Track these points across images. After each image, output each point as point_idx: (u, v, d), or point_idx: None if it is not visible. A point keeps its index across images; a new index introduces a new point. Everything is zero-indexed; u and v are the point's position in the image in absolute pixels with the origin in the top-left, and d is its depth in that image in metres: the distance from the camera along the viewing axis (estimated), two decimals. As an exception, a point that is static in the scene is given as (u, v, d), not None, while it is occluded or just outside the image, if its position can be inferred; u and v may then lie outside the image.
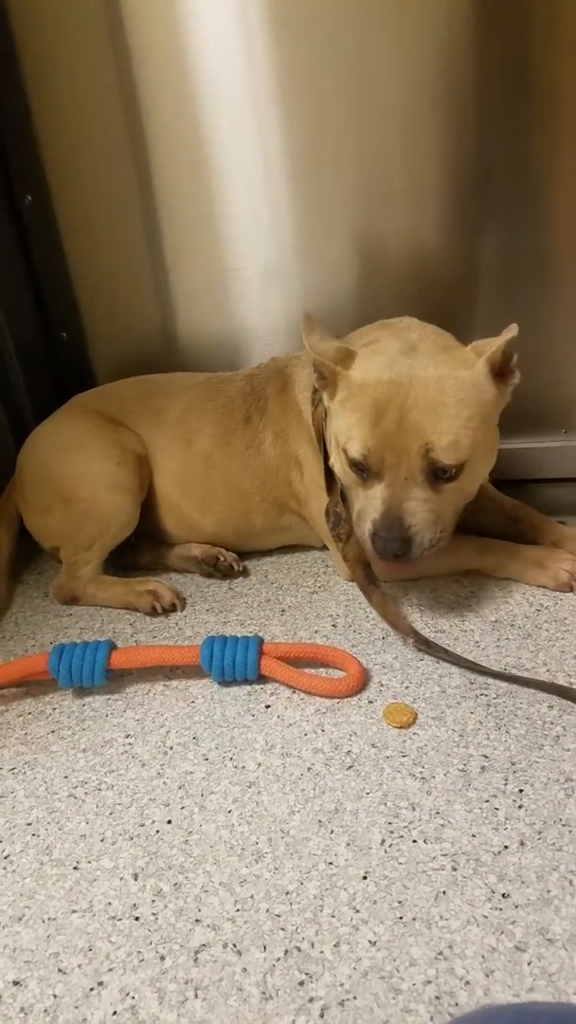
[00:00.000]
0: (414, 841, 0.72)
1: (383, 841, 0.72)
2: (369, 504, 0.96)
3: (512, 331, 0.94)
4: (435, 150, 1.22)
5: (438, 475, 0.94)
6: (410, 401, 0.92)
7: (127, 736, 0.90)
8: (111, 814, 0.79)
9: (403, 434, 0.92)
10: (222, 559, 1.24)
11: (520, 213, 1.22)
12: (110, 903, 0.69)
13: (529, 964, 0.60)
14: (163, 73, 1.25)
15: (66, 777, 0.85)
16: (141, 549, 1.29)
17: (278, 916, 0.66)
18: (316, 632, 1.07)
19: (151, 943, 0.65)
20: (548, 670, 0.92)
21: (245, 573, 1.25)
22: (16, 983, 0.64)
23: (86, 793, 0.82)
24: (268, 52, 1.21)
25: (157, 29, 1.22)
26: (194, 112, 1.27)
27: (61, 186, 1.37)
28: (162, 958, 0.64)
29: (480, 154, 1.20)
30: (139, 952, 0.65)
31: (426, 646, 0.97)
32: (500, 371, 0.96)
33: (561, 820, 0.72)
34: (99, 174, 1.35)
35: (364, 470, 0.96)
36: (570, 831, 0.70)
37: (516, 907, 0.64)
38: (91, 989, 0.62)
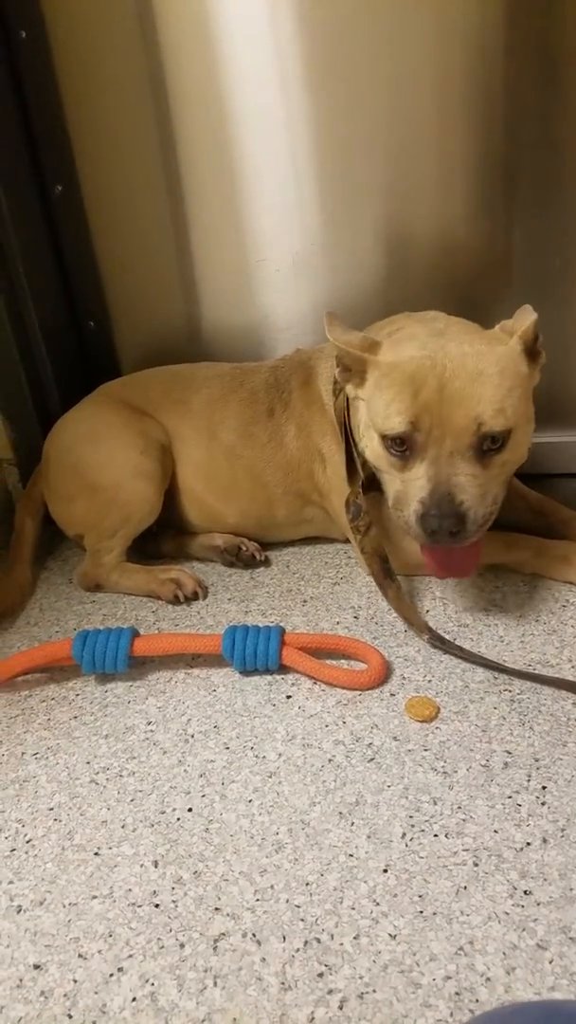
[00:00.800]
0: (435, 835, 0.71)
1: (404, 835, 0.72)
2: (412, 485, 0.92)
3: (530, 312, 0.93)
4: (464, 141, 1.20)
5: (485, 448, 0.90)
6: (449, 373, 0.89)
7: (149, 723, 0.90)
8: (132, 801, 0.80)
9: (446, 405, 0.89)
10: (244, 549, 1.24)
11: (550, 205, 1.21)
12: (130, 889, 0.70)
13: (551, 962, 0.59)
14: (192, 65, 1.25)
15: (88, 763, 0.85)
16: (164, 537, 1.30)
17: (298, 907, 0.66)
18: (338, 623, 1.06)
19: (171, 930, 0.66)
20: (573, 666, 0.91)
21: (267, 563, 1.25)
22: (37, 967, 0.64)
23: (108, 779, 0.83)
24: (297, 43, 1.20)
25: (187, 20, 1.22)
26: (222, 103, 1.26)
27: (90, 177, 1.37)
28: (181, 946, 0.64)
29: (510, 145, 1.19)
30: (159, 939, 0.65)
31: (441, 643, 0.96)
32: (530, 350, 0.95)
33: (585, 818, 0.71)
34: (127, 165, 1.35)
35: (406, 447, 0.92)
36: (594, 829, 0.70)
37: (538, 904, 0.64)
38: (111, 975, 0.63)
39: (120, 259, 1.44)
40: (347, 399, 1.07)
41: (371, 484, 1.07)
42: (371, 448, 0.99)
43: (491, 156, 1.20)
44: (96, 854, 0.74)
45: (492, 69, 1.15)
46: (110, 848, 0.74)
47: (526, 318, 0.93)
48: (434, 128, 1.21)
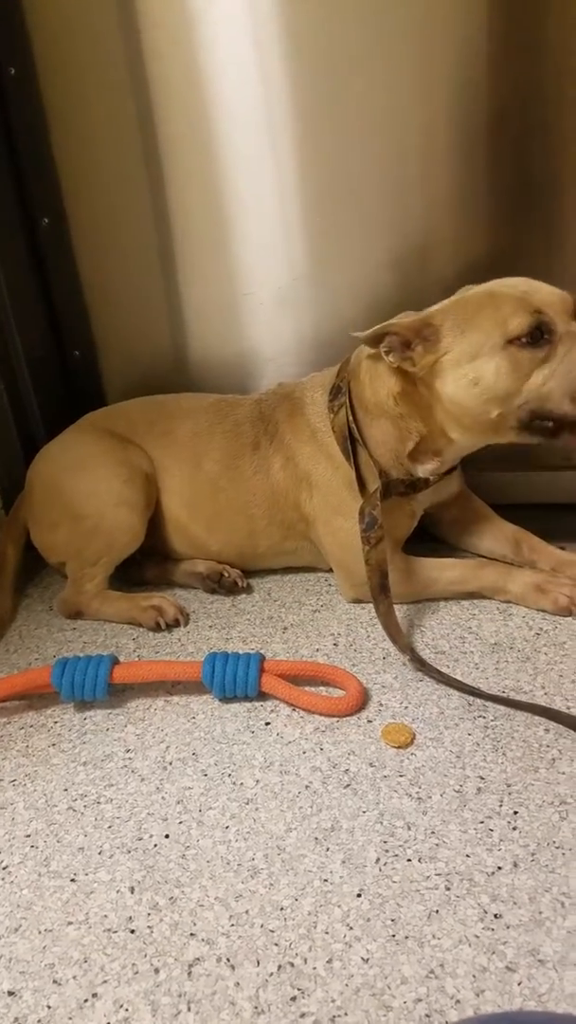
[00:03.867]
0: (409, 860, 0.72)
1: (378, 859, 0.73)
2: (568, 359, 0.96)
3: None
4: (450, 180, 1.24)
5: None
6: (509, 281, 1.02)
7: (127, 750, 0.91)
8: (109, 827, 0.80)
9: (538, 291, 0.99)
10: (226, 575, 1.25)
11: (535, 242, 1.24)
12: (106, 916, 0.70)
13: (519, 984, 0.60)
14: (180, 100, 1.28)
15: (66, 790, 0.86)
16: (147, 564, 1.31)
17: (272, 931, 0.67)
18: (317, 650, 1.07)
19: (146, 956, 0.66)
20: (546, 693, 0.93)
21: (249, 590, 1.27)
22: (11, 993, 0.64)
23: (85, 806, 0.83)
24: (284, 79, 1.23)
25: (175, 56, 1.25)
26: (210, 138, 1.30)
27: (77, 209, 1.40)
28: (156, 971, 0.65)
29: (493, 185, 1.22)
30: (134, 964, 0.65)
31: (421, 665, 0.98)
32: None
33: (555, 842, 0.72)
34: (114, 198, 1.38)
35: (543, 331, 0.96)
36: (563, 853, 0.71)
37: (508, 928, 0.65)
38: (85, 1000, 0.63)
39: (106, 290, 1.46)
40: (349, 414, 1.11)
41: (386, 493, 1.10)
42: (491, 376, 0.99)
43: (476, 196, 1.23)
44: (72, 880, 0.74)
45: (476, 107, 1.18)
46: (86, 874, 0.75)
47: None
48: (420, 167, 1.24)
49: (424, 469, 1.13)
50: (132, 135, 1.32)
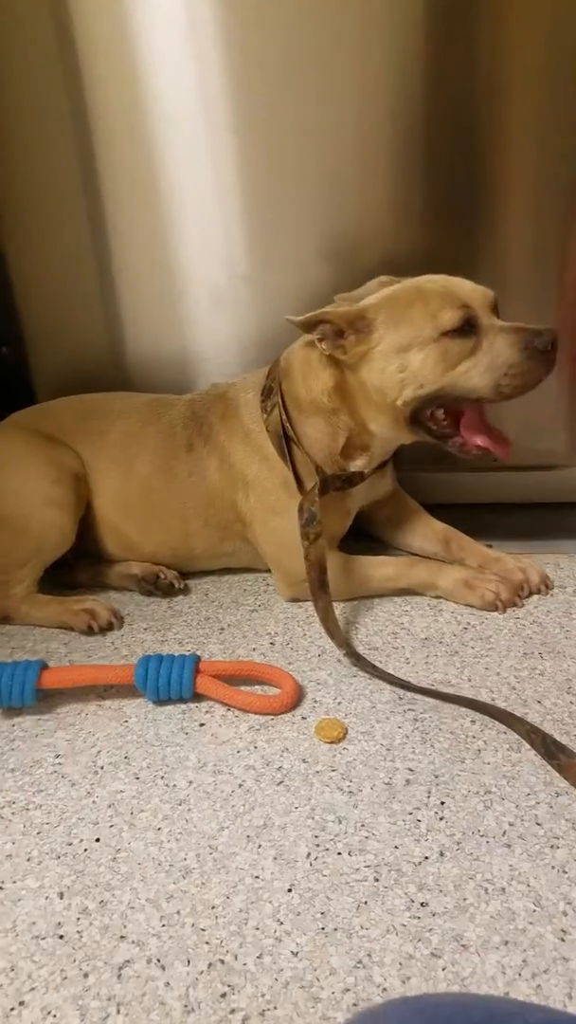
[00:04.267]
0: (339, 854, 0.73)
1: (309, 854, 0.74)
2: (490, 352, 1.02)
3: None
4: (386, 180, 1.25)
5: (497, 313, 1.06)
6: (435, 279, 1.07)
7: (57, 756, 0.90)
8: (39, 833, 0.79)
9: (461, 286, 1.05)
10: (163, 577, 1.25)
11: (466, 240, 1.27)
12: (34, 922, 0.69)
13: (444, 970, 0.62)
14: (116, 96, 1.27)
15: (-5, 797, 0.85)
16: (79, 566, 1.29)
17: (203, 930, 0.67)
18: (254, 650, 1.08)
19: (75, 961, 0.66)
20: (472, 685, 0.95)
21: (186, 591, 1.26)
22: None
23: (13, 813, 0.82)
24: (223, 80, 1.23)
25: (111, 52, 1.24)
26: (145, 135, 1.28)
27: (7, 202, 1.37)
28: (85, 975, 0.64)
29: (427, 185, 1.24)
30: (62, 970, 0.65)
31: (356, 660, 0.99)
32: None
33: (479, 831, 0.74)
34: (47, 192, 1.35)
35: (471, 323, 1.02)
36: (487, 841, 0.73)
37: (433, 915, 0.66)
38: (12, 1009, 0.62)
39: (37, 284, 1.43)
40: (282, 413, 1.13)
41: (323, 489, 1.12)
42: (428, 367, 1.04)
43: (414, 199, 1.25)
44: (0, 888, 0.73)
45: (411, 109, 1.20)
46: (14, 882, 0.74)
47: None
48: (359, 169, 1.25)
49: (355, 464, 1.15)
50: (65, 129, 1.30)
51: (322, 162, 1.26)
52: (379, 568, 1.16)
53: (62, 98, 1.28)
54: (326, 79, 1.21)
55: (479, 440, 1.07)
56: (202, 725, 0.93)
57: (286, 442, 1.13)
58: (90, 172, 1.33)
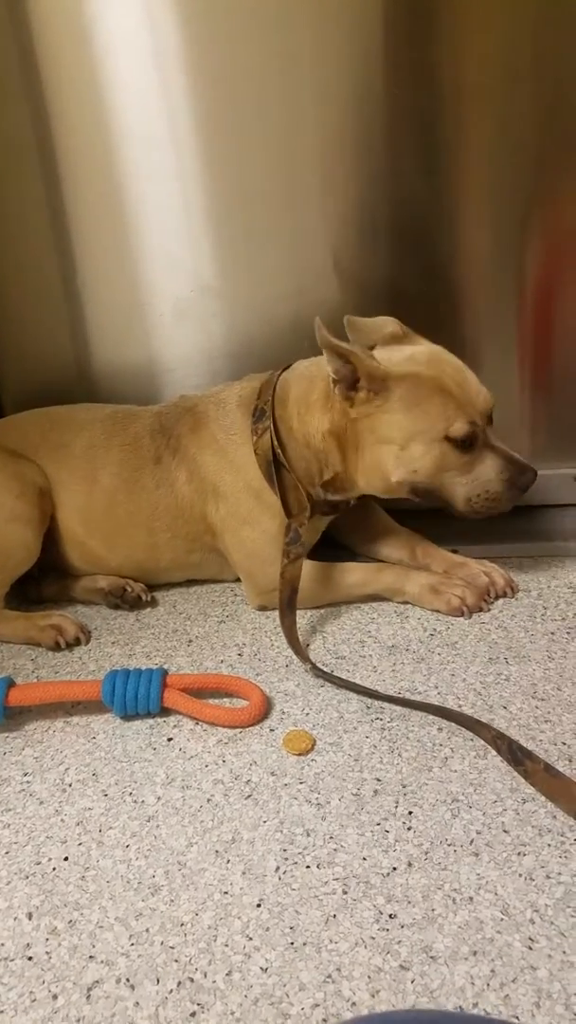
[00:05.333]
0: (308, 867, 0.73)
1: (277, 868, 0.74)
2: (481, 470, 1.06)
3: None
4: (348, 194, 1.27)
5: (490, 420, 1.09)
6: (453, 368, 1.08)
7: (25, 774, 0.89)
8: (6, 853, 0.78)
9: (471, 389, 1.07)
10: (129, 590, 1.24)
11: (429, 257, 1.28)
12: (2, 944, 0.69)
13: (412, 982, 0.62)
14: (79, 109, 1.27)
15: (-39, 818, 0.84)
16: (45, 581, 1.29)
17: (172, 948, 0.67)
18: (222, 662, 1.08)
19: (44, 982, 0.65)
20: (439, 693, 0.96)
21: (153, 603, 1.26)
22: None
23: (-19, 833, 0.81)
24: (187, 94, 1.24)
25: (73, 65, 1.24)
26: (111, 152, 1.29)
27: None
28: (55, 997, 0.64)
29: (390, 199, 1.26)
30: (31, 992, 0.64)
31: (320, 673, 1.00)
32: None
33: (447, 840, 0.75)
34: (12, 204, 1.35)
35: (473, 442, 1.05)
36: (455, 851, 0.73)
37: (402, 927, 0.67)
38: (-21, 1034, 0.61)
39: (2, 298, 1.43)
40: (274, 439, 1.13)
41: (311, 512, 1.14)
42: (425, 464, 1.07)
43: (376, 210, 1.27)
44: (-33, 912, 0.72)
45: (372, 125, 1.22)
46: (-18, 904, 0.73)
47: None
48: (322, 184, 1.27)
49: (336, 496, 1.17)
50: (29, 142, 1.30)
51: (285, 176, 1.27)
52: (348, 574, 1.17)
53: (25, 114, 1.28)
54: (288, 96, 1.22)
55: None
56: (170, 740, 0.93)
57: (276, 467, 1.13)
58: (54, 186, 1.33)
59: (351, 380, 1.06)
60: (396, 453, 1.07)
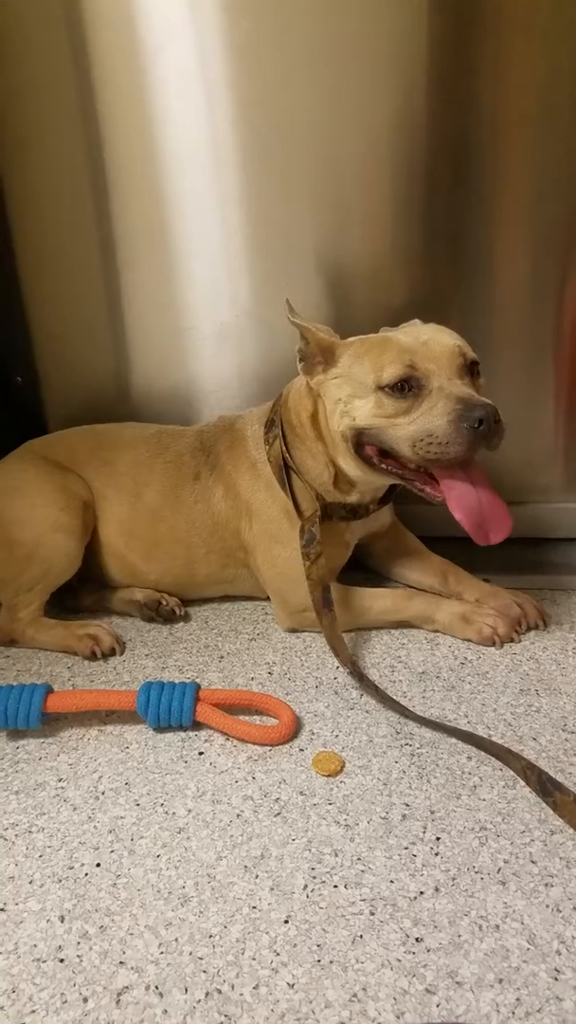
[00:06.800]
0: (335, 886, 0.75)
1: (306, 886, 0.75)
2: (429, 414, 1.00)
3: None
4: (387, 222, 1.30)
5: (472, 372, 1.05)
6: (415, 331, 1.09)
7: (60, 780, 0.91)
8: (40, 856, 0.80)
9: (429, 344, 1.04)
10: (164, 603, 1.27)
11: (465, 279, 1.30)
12: (35, 945, 0.70)
13: (438, 1006, 0.63)
14: (129, 138, 1.32)
15: (-3, 819, 0.86)
16: (84, 591, 1.31)
17: (201, 959, 0.68)
18: (252, 679, 1.09)
19: (75, 985, 0.67)
20: (469, 721, 0.96)
21: (186, 618, 1.28)
22: None
23: (16, 835, 0.83)
24: (231, 126, 1.28)
25: (126, 95, 1.29)
26: (158, 178, 1.33)
27: (24, 237, 1.42)
28: (85, 1000, 0.65)
29: (427, 227, 1.28)
30: (62, 994, 0.66)
31: (360, 680, 1.02)
32: None
33: (474, 867, 0.75)
34: (63, 230, 1.40)
35: (410, 386, 1.01)
36: (482, 878, 0.74)
37: (428, 951, 0.67)
38: (12, 1032, 0.63)
39: (50, 317, 1.47)
40: (282, 444, 1.16)
41: (326, 515, 1.15)
42: (364, 413, 1.06)
43: (414, 239, 1.29)
44: (2, 910, 0.74)
45: (412, 155, 1.25)
46: (16, 904, 0.75)
47: None
48: (362, 212, 1.30)
49: (350, 498, 1.18)
50: (82, 169, 1.35)
51: (325, 203, 1.30)
52: (377, 600, 1.18)
53: (79, 142, 1.33)
54: (330, 121, 1.25)
55: (458, 514, 1.01)
56: (201, 754, 0.95)
57: (286, 471, 1.16)
58: (103, 209, 1.37)
59: (312, 357, 1.11)
60: (340, 408, 1.09)
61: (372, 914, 0.71)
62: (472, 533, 1.00)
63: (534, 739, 0.93)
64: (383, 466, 1.09)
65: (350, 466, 1.13)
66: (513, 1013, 0.62)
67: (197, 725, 0.99)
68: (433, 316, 1.18)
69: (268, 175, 1.30)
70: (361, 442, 1.09)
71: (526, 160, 1.23)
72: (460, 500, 1.01)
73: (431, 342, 1.05)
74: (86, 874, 0.78)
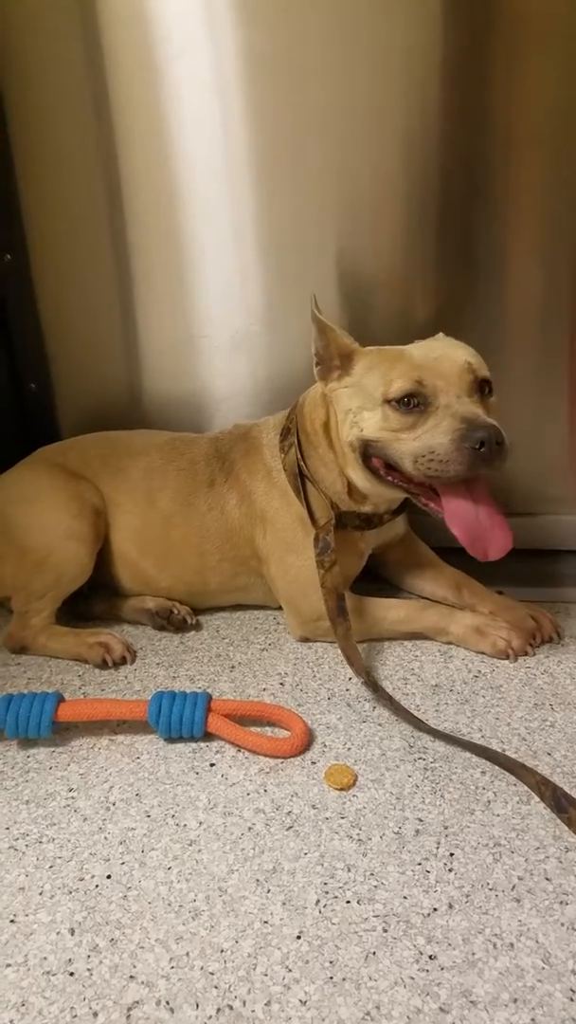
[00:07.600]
0: (348, 902, 0.74)
1: (318, 901, 0.74)
2: (433, 431, 1.00)
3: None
4: (400, 233, 1.30)
5: (482, 390, 1.05)
6: (429, 345, 1.09)
7: (70, 790, 0.91)
8: (51, 867, 0.80)
9: (440, 361, 1.04)
10: (176, 612, 1.26)
11: (477, 290, 1.30)
12: (45, 958, 0.70)
13: (452, 1025, 0.62)
14: (143, 146, 1.32)
15: (7, 829, 0.85)
16: (95, 599, 1.31)
17: (212, 974, 0.68)
18: (264, 690, 1.09)
19: (84, 999, 0.66)
20: (483, 735, 0.96)
21: (198, 627, 1.28)
22: (-54, 1039, 0.64)
23: (27, 845, 0.83)
24: (245, 133, 1.28)
25: (141, 104, 1.29)
26: (171, 184, 1.33)
27: (39, 247, 1.42)
28: (95, 1014, 0.65)
29: (439, 239, 1.29)
30: (72, 1008, 0.65)
31: (375, 690, 1.01)
32: None
33: (488, 884, 0.74)
34: (77, 238, 1.40)
35: (416, 402, 1.02)
36: (496, 895, 0.73)
37: (442, 969, 0.67)
38: (22, 1046, 0.63)
39: (64, 325, 1.48)
40: (298, 454, 1.16)
41: (341, 524, 1.15)
42: (371, 425, 1.07)
43: (423, 246, 1.29)
44: (12, 921, 0.74)
45: (426, 168, 1.25)
46: (26, 915, 0.74)
47: None
48: (372, 218, 1.30)
49: (364, 508, 1.18)
50: (96, 178, 1.36)
51: (339, 213, 1.31)
52: (391, 610, 1.18)
53: (93, 152, 1.34)
54: (344, 133, 1.26)
55: (455, 530, 1.01)
56: (212, 765, 0.94)
57: (301, 479, 1.16)
58: (117, 217, 1.38)
59: (329, 360, 1.12)
60: (351, 419, 1.09)
61: (385, 931, 0.70)
62: (469, 548, 1.01)
63: (548, 754, 0.92)
64: (389, 478, 1.09)
65: (358, 476, 1.13)
66: (529, 1034, 0.61)
67: (208, 736, 0.98)
68: (447, 327, 1.18)
69: (282, 186, 1.30)
70: (368, 454, 1.09)
71: (540, 172, 1.23)
72: (458, 516, 1.01)
73: (442, 358, 1.05)
74: (96, 886, 0.77)
